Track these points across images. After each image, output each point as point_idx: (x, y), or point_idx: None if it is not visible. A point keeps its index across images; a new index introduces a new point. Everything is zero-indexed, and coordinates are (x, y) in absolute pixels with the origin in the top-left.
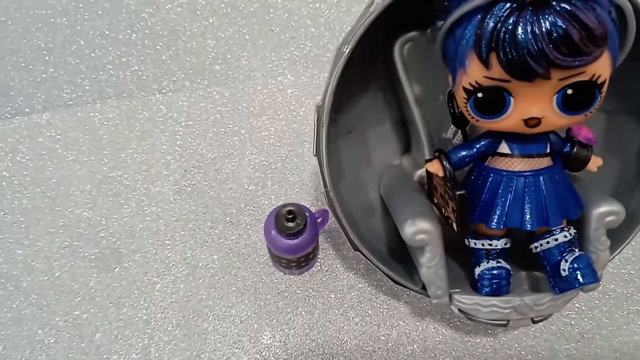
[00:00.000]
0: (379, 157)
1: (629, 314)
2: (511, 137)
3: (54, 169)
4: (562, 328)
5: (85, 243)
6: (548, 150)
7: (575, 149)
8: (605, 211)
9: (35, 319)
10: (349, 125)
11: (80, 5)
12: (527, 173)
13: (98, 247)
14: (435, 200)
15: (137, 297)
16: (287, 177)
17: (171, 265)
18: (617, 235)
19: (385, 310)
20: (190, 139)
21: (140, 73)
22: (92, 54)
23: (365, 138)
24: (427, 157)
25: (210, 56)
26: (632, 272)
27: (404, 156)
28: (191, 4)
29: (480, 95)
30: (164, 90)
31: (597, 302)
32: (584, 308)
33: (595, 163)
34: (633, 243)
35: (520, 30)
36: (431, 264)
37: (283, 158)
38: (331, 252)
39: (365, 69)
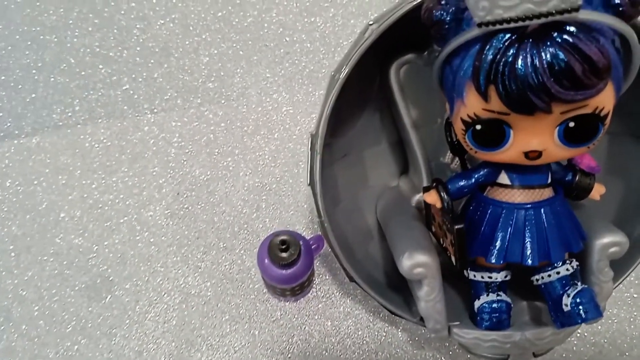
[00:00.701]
0: (377, 179)
1: (632, 339)
2: (511, 167)
3: (43, 194)
4: (563, 354)
5: (76, 271)
6: (549, 181)
7: (577, 178)
8: (608, 242)
9: (26, 351)
10: (345, 149)
11: (70, 22)
12: (528, 205)
13: (89, 275)
14: (434, 229)
15: (129, 327)
16: (282, 199)
17: (163, 293)
18: (620, 264)
19: (383, 337)
20: (182, 161)
21: (131, 92)
22: (83, 72)
23: (362, 160)
24: (425, 182)
25: (203, 73)
26: (635, 295)
27: (401, 177)
28: (183, 19)
29: (478, 127)
30: (155, 110)
31: (599, 327)
32: (586, 334)
33: (598, 191)
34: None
35: (520, 62)
36: (429, 297)
37: (278, 179)
38: (327, 277)
39: (360, 91)
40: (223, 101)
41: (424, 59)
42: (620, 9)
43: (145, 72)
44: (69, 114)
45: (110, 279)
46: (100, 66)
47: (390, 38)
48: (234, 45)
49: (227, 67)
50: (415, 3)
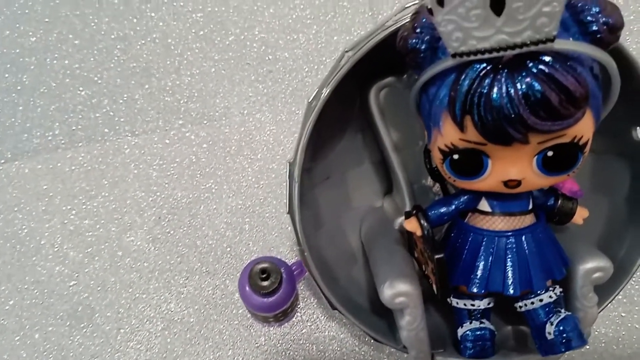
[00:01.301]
0: (360, 200)
1: (621, 359)
2: (491, 194)
3: (23, 220)
4: None
5: (57, 299)
6: (530, 207)
7: (559, 203)
8: (592, 267)
9: None
10: (327, 171)
11: (50, 44)
12: (509, 233)
13: (70, 303)
14: (416, 255)
15: (111, 356)
16: (266, 221)
17: (145, 320)
18: (605, 287)
19: None
20: (164, 183)
21: (112, 114)
22: (63, 95)
23: (344, 181)
24: (407, 204)
25: (185, 94)
26: (622, 314)
27: (386, 197)
28: (164, 39)
29: (456, 156)
30: (137, 132)
31: (587, 347)
32: (574, 355)
33: (581, 215)
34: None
35: (495, 93)
36: (411, 327)
37: (261, 200)
38: (312, 300)
39: (341, 113)
40: (205, 122)
41: (403, 82)
42: (598, 36)
43: (126, 94)
44: (49, 138)
45: (92, 306)
46: (81, 88)
47: (369, 62)
48: (216, 64)
49: (209, 87)
50: (390, 30)
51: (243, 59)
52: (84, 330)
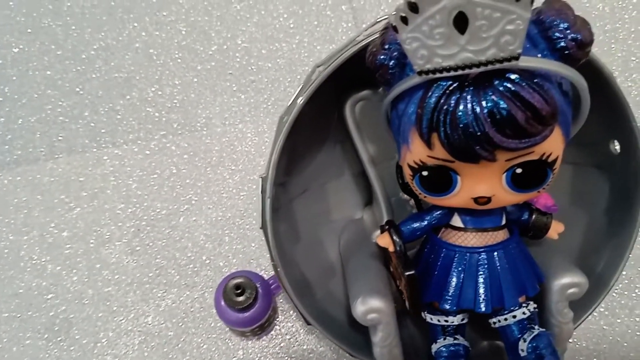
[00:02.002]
0: (340, 212)
1: None
2: (464, 210)
3: (2, 233)
4: None
5: (35, 312)
6: (503, 222)
7: (533, 217)
8: (566, 283)
9: None
10: (305, 184)
11: (33, 55)
12: (481, 249)
13: (47, 316)
14: (391, 269)
15: None
16: (246, 233)
17: (122, 333)
18: (584, 301)
19: None
20: (144, 195)
21: (92, 125)
22: (44, 106)
23: (324, 194)
24: (385, 218)
25: (167, 104)
26: (605, 327)
27: (366, 209)
28: (146, 49)
29: (425, 173)
30: (117, 143)
31: None
32: None
33: (556, 230)
34: None
35: (461, 111)
36: (384, 343)
37: (242, 212)
38: (291, 313)
39: (318, 126)
40: (187, 132)
41: (379, 95)
42: (566, 52)
43: (107, 105)
44: (30, 150)
45: (69, 319)
46: (62, 99)
47: (343, 75)
48: (198, 74)
49: (190, 97)
50: (360, 45)
51: (226, 69)
52: (62, 343)
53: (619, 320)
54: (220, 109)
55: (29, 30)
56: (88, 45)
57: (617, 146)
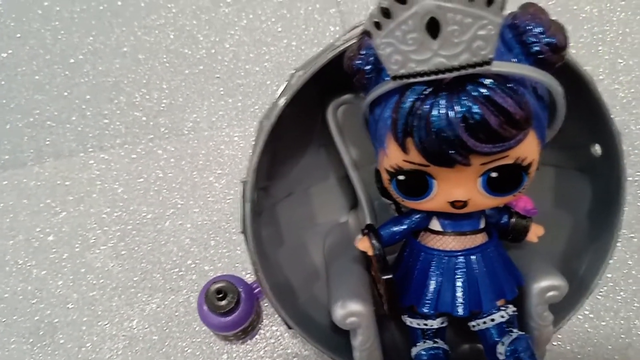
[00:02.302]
0: (325, 216)
1: None
2: (442, 213)
3: None
4: None
5: (20, 316)
6: (482, 226)
7: (513, 220)
8: (545, 286)
9: None
10: (289, 187)
11: (21, 60)
12: (459, 253)
13: (32, 321)
14: (373, 273)
15: None
16: (232, 237)
17: (107, 338)
18: (565, 303)
19: None
20: (130, 199)
21: (80, 129)
22: (33, 111)
23: (308, 198)
24: (368, 221)
25: (154, 109)
26: (589, 330)
27: (351, 212)
28: (135, 53)
29: (401, 177)
30: (104, 147)
31: None
32: None
33: (535, 233)
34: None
35: (434, 115)
36: (364, 347)
37: (228, 216)
38: (275, 317)
39: (302, 129)
40: (174, 136)
41: (360, 99)
42: (541, 56)
43: (95, 109)
44: (17, 154)
45: (54, 324)
46: (50, 104)
47: (326, 79)
48: (186, 78)
49: (178, 101)
50: (338, 50)
51: (213, 73)
52: (46, 347)
53: (603, 323)
54: (207, 112)
55: (18, 35)
56: (76, 49)
57: (598, 149)
